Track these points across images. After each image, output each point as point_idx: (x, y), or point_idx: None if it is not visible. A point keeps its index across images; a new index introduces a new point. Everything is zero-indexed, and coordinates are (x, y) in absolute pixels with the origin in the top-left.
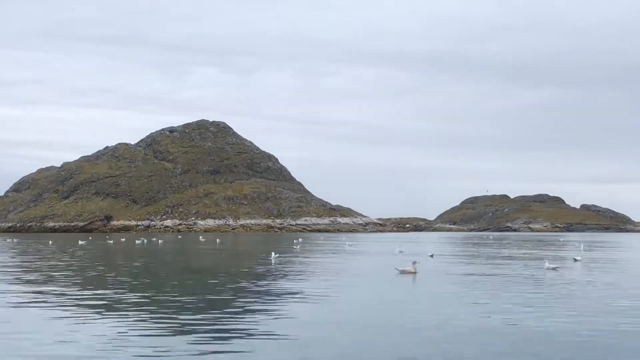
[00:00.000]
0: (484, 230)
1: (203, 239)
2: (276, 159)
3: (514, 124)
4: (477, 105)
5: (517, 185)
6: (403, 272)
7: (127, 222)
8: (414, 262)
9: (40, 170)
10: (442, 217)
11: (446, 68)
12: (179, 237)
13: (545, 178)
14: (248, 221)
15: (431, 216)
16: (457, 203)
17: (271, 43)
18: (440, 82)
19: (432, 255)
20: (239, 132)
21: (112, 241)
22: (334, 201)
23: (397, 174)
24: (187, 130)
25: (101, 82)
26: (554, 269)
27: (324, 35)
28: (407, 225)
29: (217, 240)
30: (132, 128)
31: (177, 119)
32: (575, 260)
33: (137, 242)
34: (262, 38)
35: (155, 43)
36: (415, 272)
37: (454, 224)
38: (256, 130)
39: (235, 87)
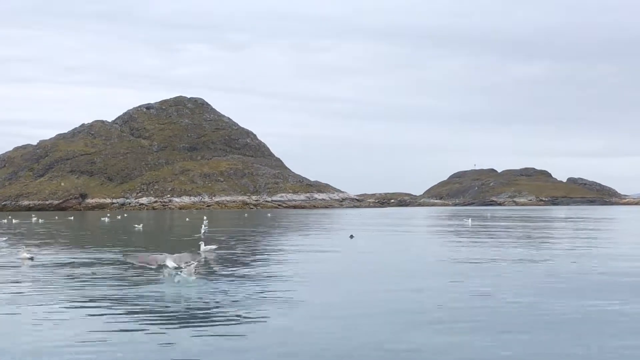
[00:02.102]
0: (468, 204)
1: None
2: (254, 135)
3: (508, 98)
4: (471, 79)
5: (505, 158)
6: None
7: (102, 200)
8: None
9: (16, 149)
10: (429, 192)
11: (440, 43)
12: (108, 215)
13: (534, 152)
14: (223, 198)
15: (420, 191)
16: (446, 178)
17: (264, 19)
18: (434, 57)
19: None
20: (228, 109)
21: (16, 220)
22: (320, 178)
23: (388, 149)
24: (164, 107)
25: (92, 59)
26: (30, 258)
27: (317, 10)
28: (392, 201)
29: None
30: (113, 105)
31: (167, 96)
32: (352, 237)
33: (33, 219)
34: (255, 14)
35: (147, 20)
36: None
37: (441, 198)
38: (247, 107)
39: (228, 63)
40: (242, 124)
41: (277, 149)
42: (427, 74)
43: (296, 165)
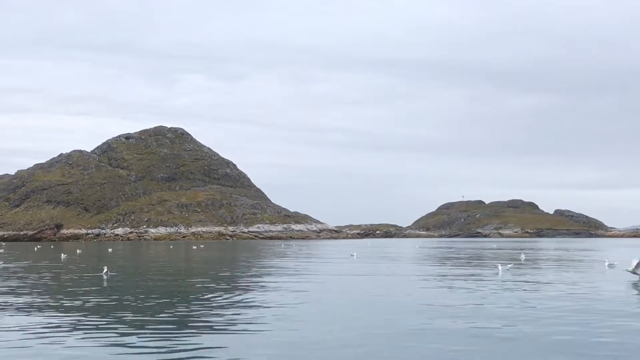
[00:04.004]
0: (454, 236)
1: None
2: (234, 166)
3: (501, 130)
4: (465, 111)
5: (495, 190)
6: None
7: (77, 231)
8: None
9: None
10: (417, 223)
11: (435, 74)
12: (37, 247)
13: (524, 183)
14: (199, 229)
15: (410, 222)
16: (434, 209)
17: (259, 50)
18: (429, 89)
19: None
20: (220, 140)
21: None
22: (307, 209)
23: (379, 180)
24: (143, 137)
25: (90, 90)
26: None
27: (312, 41)
28: (377, 232)
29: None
30: (101, 135)
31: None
32: (106, 274)
33: None
34: (251, 45)
35: (144, 51)
36: None
37: (428, 230)
38: (245, 137)
39: (224, 94)
40: (234, 155)
41: (265, 180)
42: (420, 105)
43: (282, 196)
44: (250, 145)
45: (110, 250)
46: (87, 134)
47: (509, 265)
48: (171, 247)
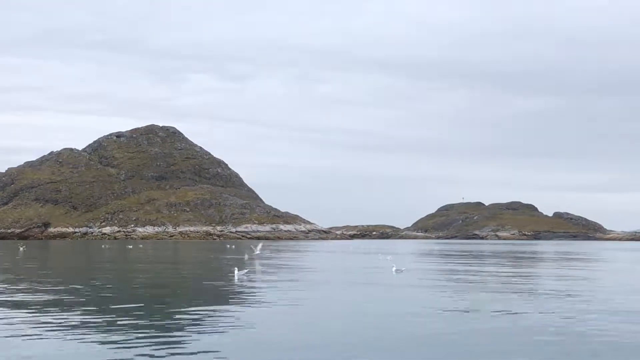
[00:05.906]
0: (451, 237)
1: None
2: (226, 165)
3: (505, 132)
4: (467, 112)
5: (495, 192)
6: None
7: (64, 229)
8: None
9: None
10: (417, 225)
11: (436, 75)
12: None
13: (526, 185)
14: (187, 228)
15: (409, 224)
16: (434, 210)
17: (264, 50)
18: (430, 90)
19: None
20: (222, 140)
21: None
22: (305, 209)
23: (380, 181)
24: (134, 136)
25: (95, 89)
26: None
27: (314, 42)
28: (374, 233)
29: None
30: (96, 133)
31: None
32: None
33: None
34: (256, 45)
35: (149, 50)
36: None
37: (426, 231)
38: (245, 137)
39: (228, 94)
40: (236, 155)
41: (263, 180)
42: (421, 106)
43: (280, 196)
44: (252, 145)
45: (21, 248)
46: (89, 132)
47: (245, 271)
48: (103, 246)
